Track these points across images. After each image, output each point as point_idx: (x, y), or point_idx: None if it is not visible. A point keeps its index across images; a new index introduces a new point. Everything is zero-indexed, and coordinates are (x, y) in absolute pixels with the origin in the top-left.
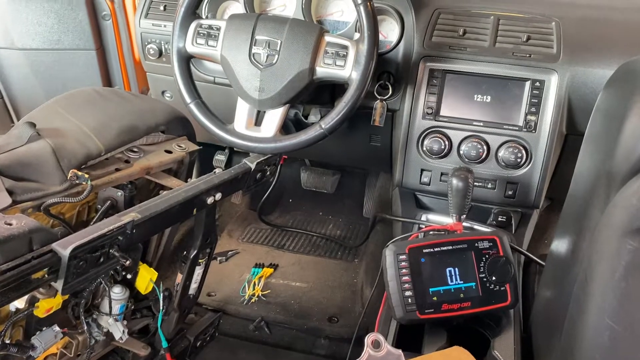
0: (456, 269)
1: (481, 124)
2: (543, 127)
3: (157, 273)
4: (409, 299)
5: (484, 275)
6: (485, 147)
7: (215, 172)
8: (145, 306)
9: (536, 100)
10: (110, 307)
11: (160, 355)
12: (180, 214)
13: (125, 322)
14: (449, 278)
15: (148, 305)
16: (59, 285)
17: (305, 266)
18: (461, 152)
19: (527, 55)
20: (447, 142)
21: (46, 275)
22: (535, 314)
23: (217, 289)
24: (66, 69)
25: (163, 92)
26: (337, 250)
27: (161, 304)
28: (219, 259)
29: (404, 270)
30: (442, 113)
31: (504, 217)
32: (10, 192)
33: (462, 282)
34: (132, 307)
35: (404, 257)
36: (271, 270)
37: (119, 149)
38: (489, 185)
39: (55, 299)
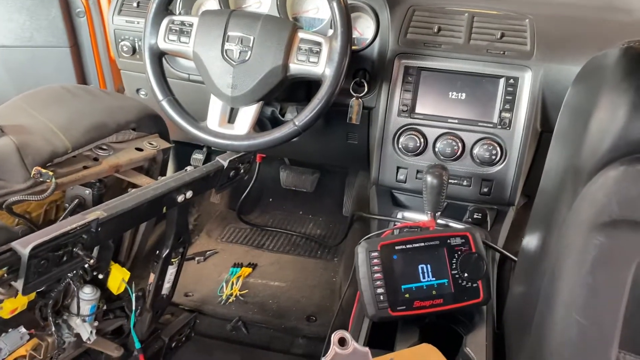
0: (428, 266)
1: (456, 121)
2: (517, 124)
3: (129, 273)
4: (381, 296)
5: (456, 272)
6: (460, 145)
7: (186, 169)
8: (118, 307)
9: (510, 98)
10: (79, 308)
11: (133, 356)
12: (149, 212)
13: (96, 323)
14: (421, 275)
15: (121, 306)
16: (19, 284)
17: (285, 265)
18: (436, 149)
19: (501, 53)
20: (422, 140)
21: (5, 275)
22: (508, 311)
23: (195, 289)
24: (39, 67)
25: (138, 90)
26: (317, 250)
27: (134, 305)
28: (197, 259)
29: (375, 268)
30: (417, 110)
31: (480, 215)
32: None
33: (434, 278)
34: (105, 308)
35: (375, 254)
36: (250, 269)
37: (87, 146)
38: (465, 183)
39: (19, 299)
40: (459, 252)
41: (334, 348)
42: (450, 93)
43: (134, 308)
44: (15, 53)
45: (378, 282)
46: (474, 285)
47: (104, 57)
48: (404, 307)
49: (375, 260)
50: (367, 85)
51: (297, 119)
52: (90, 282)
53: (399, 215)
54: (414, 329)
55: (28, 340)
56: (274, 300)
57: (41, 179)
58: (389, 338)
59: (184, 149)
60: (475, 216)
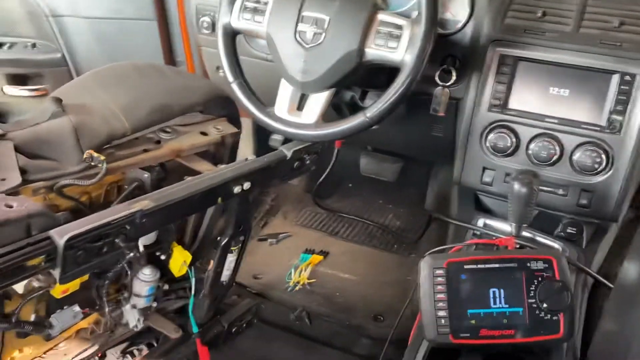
0: (501, 291)
1: (555, 120)
2: (630, 128)
3: (190, 256)
4: (443, 320)
5: (533, 300)
6: (558, 148)
7: (247, 158)
8: (181, 287)
9: (624, 97)
10: (130, 296)
11: (191, 339)
12: (202, 203)
13: (155, 304)
14: (492, 300)
15: (184, 287)
16: (56, 274)
17: (357, 257)
18: (530, 151)
19: (618, 44)
20: (514, 139)
21: (43, 263)
22: (595, 348)
23: (264, 272)
24: (128, 39)
25: (217, 68)
26: (394, 243)
27: (192, 288)
28: (269, 240)
29: (439, 287)
30: (510, 105)
31: (574, 229)
32: (23, 171)
33: (507, 306)
34: (168, 288)
35: (441, 272)
36: (321, 257)
37: (149, 129)
38: (560, 192)
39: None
40: (540, 279)
41: None
42: (551, 88)
43: (192, 292)
44: (106, 24)
45: (441, 304)
46: (554, 318)
47: (191, 32)
48: (468, 335)
49: (440, 279)
50: (455, 73)
51: (369, 110)
52: (151, 263)
53: (480, 223)
54: (477, 358)
55: (82, 319)
56: (341, 294)
57: (93, 163)
58: None
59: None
60: (569, 230)
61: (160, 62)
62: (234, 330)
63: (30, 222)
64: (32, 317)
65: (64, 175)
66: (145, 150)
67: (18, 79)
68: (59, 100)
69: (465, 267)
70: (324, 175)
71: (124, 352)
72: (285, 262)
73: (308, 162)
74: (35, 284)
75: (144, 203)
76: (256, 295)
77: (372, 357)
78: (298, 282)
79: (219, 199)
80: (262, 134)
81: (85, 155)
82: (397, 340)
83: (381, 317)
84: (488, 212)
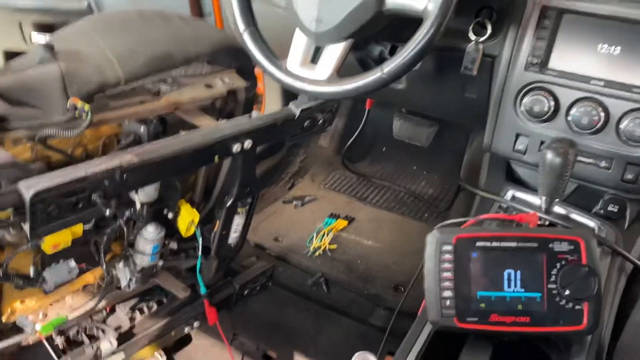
0: (518, 273)
1: (602, 83)
2: None
3: (198, 215)
4: (448, 301)
5: (554, 286)
6: (602, 114)
7: (250, 115)
8: (191, 247)
9: None
10: (126, 254)
11: (200, 300)
12: (196, 161)
13: (161, 262)
14: (505, 283)
15: (194, 247)
16: (26, 228)
17: (384, 224)
18: (570, 117)
19: None
20: (553, 103)
21: (12, 217)
22: (624, 341)
23: (285, 235)
24: None
25: None
26: (424, 212)
27: (200, 249)
28: (294, 203)
29: (446, 265)
30: (551, 65)
31: (616, 207)
32: (3, 119)
33: (522, 290)
34: (176, 247)
35: (449, 247)
36: (345, 223)
37: (147, 78)
38: (602, 164)
39: (61, 234)
40: (563, 262)
41: None
42: (599, 45)
43: (199, 252)
44: None
45: (447, 283)
46: (577, 307)
47: None
48: (476, 319)
49: (447, 256)
50: (490, 27)
51: (386, 64)
52: (157, 220)
53: (509, 195)
54: (486, 345)
55: (79, 274)
56: (362, 261)
57: (77, 112)
58: (456, 350)
59: None
60: (609, 208)
61: (187, 13)
62: (246, 292)
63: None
64: (31, 270)
65: (48, 125)
66: (143, 102)
67: (46, 28)
68: (49, 47)
69: (478, 244)
70: (353, 138)
71: (133, 308)
72: (309, 226)
73: (321, 121)
74: (8, 237)
75: (126, 158)
76: (275, 258)
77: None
78: (319, 247)
79: (216, 157)
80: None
81: (68, 104)
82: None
83: (402, 288)
84: (520, 183)
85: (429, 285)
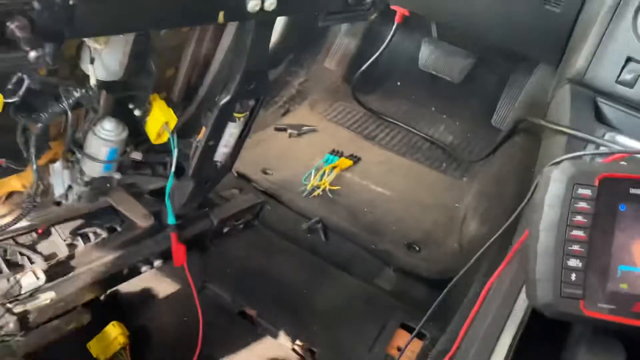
0: None
1: None
2: None
3: (175, 118)
4: (573, 275)
5: None
6: None
7: None
8: (160, 162)
9: None
10: (69, 156)
11: (165, 232)
12: (188, 13)
13: (118, 176)
14: None
15: (164, 162)
16: None
17: (396, 169)
18: None
19: None
20: None
21: None
22: None
23: (277, 168)
24: None
25: None
26: (444, 161)
27: (174, 163)
28: (289, 131)
29: (579, 219)
30: None
31: None
32: None
33: None
34: (141, 159)
35: (587, 192)
36: (350, 162)
37: None
38: None
39: None
40: None
41: None
42: None
43: (172, 168)
44: None
45: (576, 247)
46: None
47: None
48: (613, 307)
49: (584, 205)
50: None
51: None
52: (118, 117)
53: (607, 136)
54: (615, 349)
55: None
56: (370, 209)
57: None
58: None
59: None
60: None
61: None
62: (225, 230)
63: None
64: None
65: None
66: None
67: None
68: None
69: (632, 191)
70: (368, 63)
71: (74, 233)
72: (306, 161)
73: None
74: None
75: None
76: (262, 193)
77: (397, 293)
78: (317, 187)
79: (220, 15)
80: None
81: None
82: (432, 280)
83: (416, 247)
84: (612, 127)
85: (544, 248)
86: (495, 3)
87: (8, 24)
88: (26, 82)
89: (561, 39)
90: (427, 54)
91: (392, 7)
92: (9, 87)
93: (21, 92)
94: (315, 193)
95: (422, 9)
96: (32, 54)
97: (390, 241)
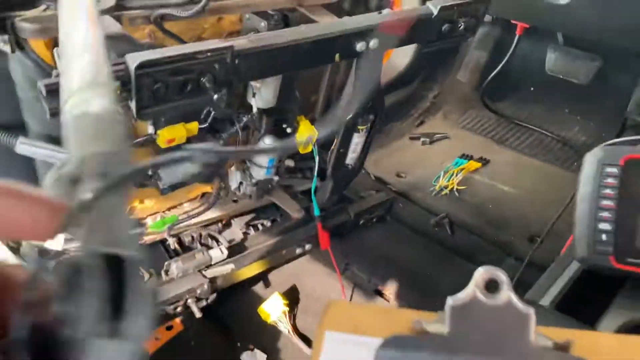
0: None
1: None
2: None
3: (317, 132)
4: (604, 235)
5: None
6: None
7: (381, 11)
8: (308, 167)
9: None
10: (243, 165)
11: (313, 222)
12: (313, 56)
13: (276, 178)
14: None
15: (310, 167)
16: (132, 105)
17: (524, 169)
18: None
19: None
20: None
21: (119, 92)
22: None
23: (409, 172)
24: None
25: None
26: (575, 160)
27: (316, 167)
28: (422, 139)
29: (607, 191)
30: None
31: None
32: None
33: None
34: (293, 165)
35: (613, 170)
36: (479, 165)
37: None
38: None
39: (176, 129)
40: None
41: (475, 289)
42: None
43: (315, 172)
44: None
45: (605, 214)
46: None
47: None
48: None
49: (611, 180)
50: None
51: None
52: (275, 134)
53: None
54: None
55: (192, 180)
56: (494, 206)
57: None
58: (603, 299)
59: None
60: None
61: None
62: (361, 222)
63: (108, 44)
64: None
65: (164, 6)
66: None
67: None
68: None
69: None
70: (494, 73)
71: (247, 224)
72: (436, 165)
73: (462, 27)
74: None
75: (239, 42)
76: (396, 193)
77: (518, 283)
78: (446, 187)
79: (336, 56)
80: None
81: None
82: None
83: (538, 239)
84: None
85: (581, 214)
86: (607, 8)
87: (202, 79)
88: (212, 114)
89: None
90: (553, 59)
91: (513, 21)
92: (202, 117)
93: (209, 120)
94: (443, 192)
95: (541, 23)
96: (215, 96)
97: (512, 234)
